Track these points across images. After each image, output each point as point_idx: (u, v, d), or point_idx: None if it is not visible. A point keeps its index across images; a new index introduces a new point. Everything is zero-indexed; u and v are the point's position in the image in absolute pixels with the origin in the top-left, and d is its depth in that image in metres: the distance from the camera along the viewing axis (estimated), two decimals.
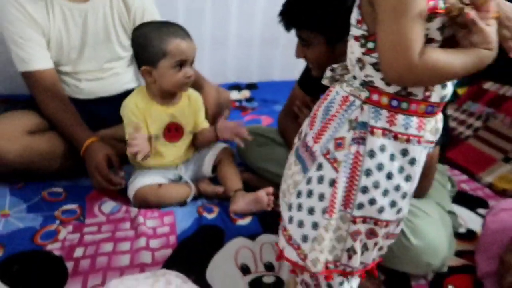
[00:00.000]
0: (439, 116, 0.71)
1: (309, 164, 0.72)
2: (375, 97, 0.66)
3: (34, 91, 1.33)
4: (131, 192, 1.25)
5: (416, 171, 0.69)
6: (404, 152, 0.67)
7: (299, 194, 0.73)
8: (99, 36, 1.39)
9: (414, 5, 0.58)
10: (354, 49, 0.67)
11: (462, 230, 1.22)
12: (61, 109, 1.32)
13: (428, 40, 0.62)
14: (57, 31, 1.33)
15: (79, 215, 1.20)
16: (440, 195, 1.11)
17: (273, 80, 2.45)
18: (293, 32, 1.07)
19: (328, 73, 0.75)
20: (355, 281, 0.82)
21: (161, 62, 1.14)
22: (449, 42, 0.63)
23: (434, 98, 0.66)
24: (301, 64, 1.23)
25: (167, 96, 1.23)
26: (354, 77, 0.69)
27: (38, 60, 1.31)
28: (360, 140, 0.66)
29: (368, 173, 0.67)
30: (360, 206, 0.69)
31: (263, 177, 1.37)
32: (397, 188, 0.69)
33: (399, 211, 0.71)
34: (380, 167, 0.66)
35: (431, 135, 0.69)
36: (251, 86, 2.35)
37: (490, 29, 0.61)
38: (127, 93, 1.31)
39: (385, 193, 0.68)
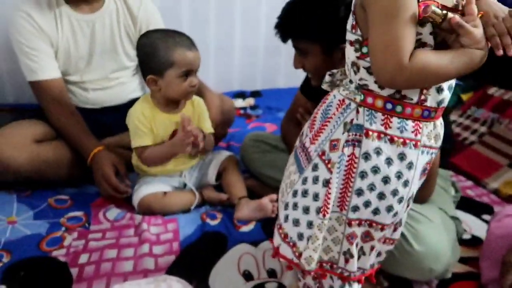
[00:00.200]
0: (439, 122, 0.71)
1: (305, 164, 0.73)
2: (369, 100, 0.67)
3: (42, 101, 1.36)
4: (135, 201, 1.26)
5: (414, 176, 0.70)
6: (402, 157, 0.67)
7: (295, 193, 0.74)
8: (106, 46, 1.41)
9: (405, 9, 0.59)
10: (349, 54, 0.69)
11: (467, 236, 1.21)
12: (68, 118, 1.34)
13: (422, 45, 0.62)
14: (65, 41, 1.35)
15: (84, 222, 1.21)
16: (442, 200, 1.10)
17: (277, 87, 2.46)
18: None
19: (327, 78, 0.77)
20: (356, 287, 0.81)
21: (167, 72, 1.15)
22: (442, 46, 0.63)
23: (430, 102, 0.66)
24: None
25: (172, 104, 1.24)
26: (351, 81, 0.70)
27: (46, 70, 1.34)
28: (356, 143, 0.67)
29: (363, 175, 0.67)
30: (355, 208, 0.69)
31: (266, 184, 1.38)
32: (394, 193, 0.69)
33: (395, 215, 0.71)
34: (375, 170, 0.67)
35: (430, 140, 0.69)
36: (255, 94, 2.37)
37: (478, 30, 0.62)
38: (132, 102, 1.33)
39: (381, 196, 0.69)
